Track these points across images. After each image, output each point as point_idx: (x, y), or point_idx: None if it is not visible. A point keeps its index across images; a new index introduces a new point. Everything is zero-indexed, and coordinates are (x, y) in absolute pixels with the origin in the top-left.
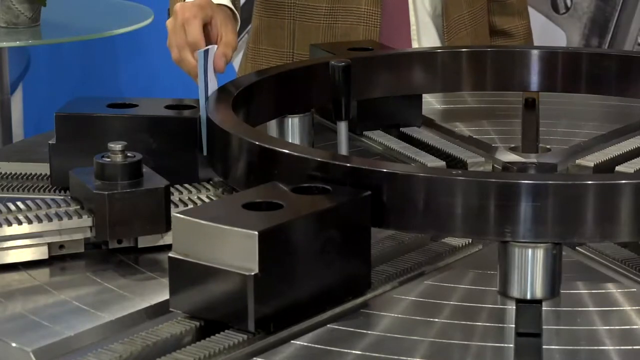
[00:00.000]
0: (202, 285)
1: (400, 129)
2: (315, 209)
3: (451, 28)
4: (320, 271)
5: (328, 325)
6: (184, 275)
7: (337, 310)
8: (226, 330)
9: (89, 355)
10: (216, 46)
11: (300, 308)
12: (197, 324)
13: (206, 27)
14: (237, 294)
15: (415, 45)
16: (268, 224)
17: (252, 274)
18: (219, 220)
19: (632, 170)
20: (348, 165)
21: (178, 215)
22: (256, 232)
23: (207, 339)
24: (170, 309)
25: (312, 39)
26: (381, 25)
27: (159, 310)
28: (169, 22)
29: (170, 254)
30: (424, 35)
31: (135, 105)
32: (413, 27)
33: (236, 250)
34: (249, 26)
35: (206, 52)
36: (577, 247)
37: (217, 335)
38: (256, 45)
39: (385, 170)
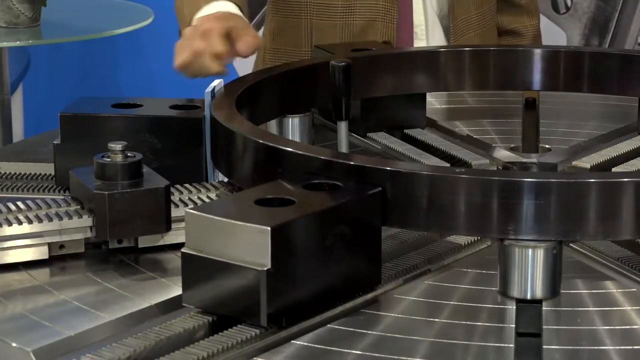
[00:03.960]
0: (214, 281)
1: (404, 130)
2: (326, 205)
3: (458, 29)
4: (331, 266)
5: (328, 325)
6: (197, 270)
7: (338, 309)
8: (238, 325)
9: (104, 349)
10: (222, 81)
11: (312, 303)
12: (210, 319)
13: (226, 37)
14: (249, 289)
15: (423, 44)
16: (280, 220)
17: (265, 269)
18: (232, 216)
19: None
20: (352, 163)
21: (191, 211)
22: (269, 228)
23: (220, 333)
24: (183, 304)
25: (329, 37)
26: (398, 22)
27: (162, 309)
28: (187, 30)
29: (183, 250)
30: (432, 35)
31: (140, 105)
32: (418, 28)
33: (249, 245)
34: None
35: (213, 90)
36: (576, 247)
37: (229, 330)
38: (272, 46)
39: (389, 168)
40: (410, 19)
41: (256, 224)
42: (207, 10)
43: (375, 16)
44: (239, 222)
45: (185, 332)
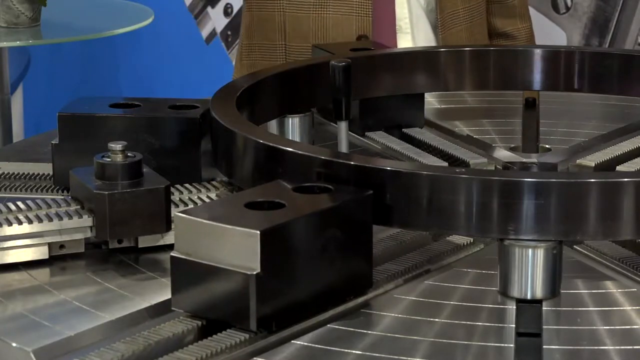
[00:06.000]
0: (204, 285)
1: (403, 129)
2: (316, 208)
3: (445, 22)
4: (322, 270)
5: (328, 325)
6: (186, 274)
7: (338, 309)
8: (228, 330)
9: (92, 355)
10: None
11: (302, 307)
12: (199, 323)
13: None
14: (239, 293)
15: (408, 38)
16: (270, 223)
17: (254, 273)
18: (221, 220)
19: (633, 170)
20: (352, 163)
21: (180, 214)
22: (258, 232)
23: (209, 338)
24: (172, 308)
25: (303, 30)
26: (373, 16)
27: (161, 310)
28: None
29: (172, 253)
30: (417, 28)
31: (138, 105)
32: (402, 22)
33: (238, 249)
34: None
35: None
36: (577, 247)
37: (219, 334)
38: (249, 40)
39: (389, 168)
40: (392, 13)
41: (245, 228)
42: None
43: (349, 10)
44: (228, 226)
45: (174, 336)
